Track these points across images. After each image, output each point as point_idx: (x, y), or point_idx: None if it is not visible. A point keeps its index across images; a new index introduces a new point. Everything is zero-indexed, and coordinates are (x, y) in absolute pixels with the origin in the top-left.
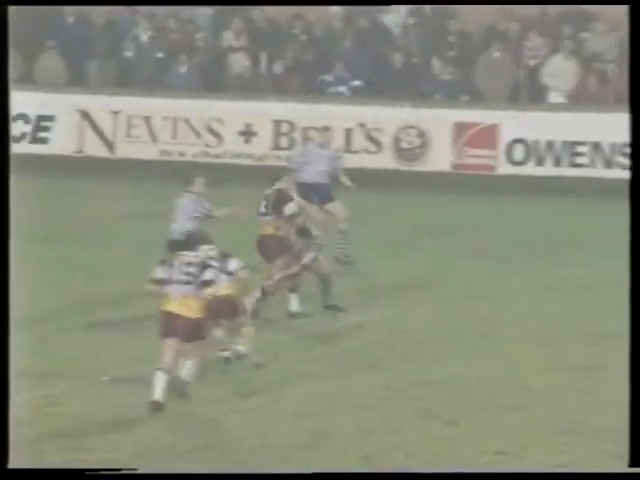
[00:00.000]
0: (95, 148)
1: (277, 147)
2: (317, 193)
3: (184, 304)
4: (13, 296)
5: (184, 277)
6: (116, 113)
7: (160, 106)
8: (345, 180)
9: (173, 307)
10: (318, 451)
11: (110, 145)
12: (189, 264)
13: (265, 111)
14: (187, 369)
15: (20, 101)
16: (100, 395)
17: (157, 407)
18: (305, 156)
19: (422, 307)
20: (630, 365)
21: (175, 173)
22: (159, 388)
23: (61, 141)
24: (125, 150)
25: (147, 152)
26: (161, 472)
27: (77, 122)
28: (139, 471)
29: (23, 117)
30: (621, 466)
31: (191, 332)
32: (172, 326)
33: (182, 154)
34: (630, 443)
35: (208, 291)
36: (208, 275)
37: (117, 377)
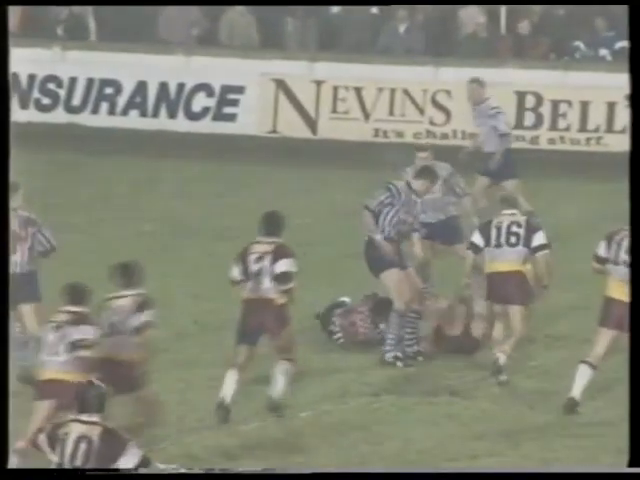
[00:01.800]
0: (293, 127)
1: (520, 125)
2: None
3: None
4: None
5: None
6: (319, 83)
7: (374, 74)
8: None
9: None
10: None
11: (312, 123)
12: None
13: (505, 80)
14: None
15: (201, 68)
16: None
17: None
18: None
19: None
20: (630, 365)
21: (392, 157)
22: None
23: (251, 118)
24: (330, 129)
25: (357, 131)
26: (161, 472)
27: (271, 94)
28: (139, 471)
29: (205, 88)
30: (621, 466)
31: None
32: (614, 314)
33: (400, 134)
34: (630, 443)
35: None
36: None
37: None
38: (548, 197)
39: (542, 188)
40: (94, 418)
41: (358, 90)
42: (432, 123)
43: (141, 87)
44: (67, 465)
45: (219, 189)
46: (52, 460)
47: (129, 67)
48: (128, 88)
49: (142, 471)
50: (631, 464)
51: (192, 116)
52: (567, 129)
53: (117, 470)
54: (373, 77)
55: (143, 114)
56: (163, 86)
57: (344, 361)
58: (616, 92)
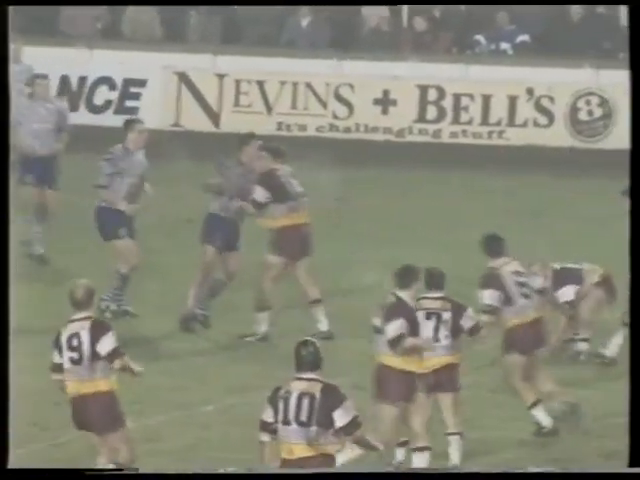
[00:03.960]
0: (196, 120)
1: (423, 119)
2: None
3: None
4: None
5: None
6: (222, 77)
7: (277, 68)
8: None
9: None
10: None
11: (215, 116)
12: None
13: (407, 74)
14: None
15: (104, 61)
16: None
17: None
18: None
19: None
20: (630, 364)
21: (295, 151)
22: None
23: (154, 111)
24: (233, 122)
25: (260, 125)
26: (161, 472)
27: (174, 88)
28: (139, 471)
29: (107, 81)
30: (621, 466)
31: None
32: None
33: (303, 128)
34: (630, 443)
35: None
36: None
37: None
38: (450, 191)
39: (445, 182)
40: (311, 375)
41: (261, 84)
42: (335, 117)
43: None
44: (292, 422)
45: None
46: (275, 420)
47: (30, 60)
48: None
49: (142, 471)
50: (631, 464)
51: (94, 109)
52: (469, 123)
53: (118, 470)
54: (276, 71)
55: None
56: (64, 79)
57: None
58: (517, 86)
